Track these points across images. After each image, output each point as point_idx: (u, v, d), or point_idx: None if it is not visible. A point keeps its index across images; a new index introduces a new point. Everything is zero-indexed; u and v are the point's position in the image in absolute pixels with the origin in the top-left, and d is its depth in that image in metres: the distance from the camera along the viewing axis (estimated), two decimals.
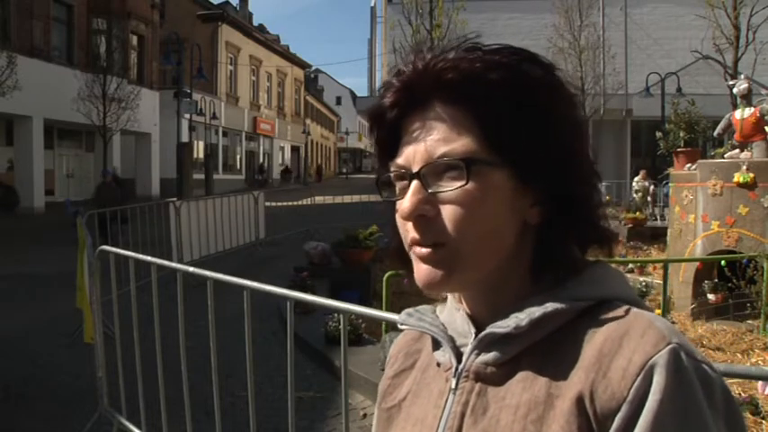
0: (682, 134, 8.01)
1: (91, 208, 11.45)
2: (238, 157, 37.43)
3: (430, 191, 0.65)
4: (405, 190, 0.67)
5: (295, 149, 48.46)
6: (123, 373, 3.56)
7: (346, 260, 7.84)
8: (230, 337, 3.27)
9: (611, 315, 0.63)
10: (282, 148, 45.08)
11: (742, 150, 6.95)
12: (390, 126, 0.70)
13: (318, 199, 16.83)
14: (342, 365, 2.38)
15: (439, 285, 0.67)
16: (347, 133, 73.76)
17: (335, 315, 5.02)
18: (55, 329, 6.24)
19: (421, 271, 0.67)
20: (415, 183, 0.66)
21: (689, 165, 7.40)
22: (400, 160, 0.68)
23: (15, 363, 5.30)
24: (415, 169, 0.66)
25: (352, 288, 6.86)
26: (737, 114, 6.92)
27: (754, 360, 5.07)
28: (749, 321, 6.06)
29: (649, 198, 16.36)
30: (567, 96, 0.70)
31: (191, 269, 3.20)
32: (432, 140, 0.66)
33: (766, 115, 6.64)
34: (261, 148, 40.43)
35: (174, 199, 10.24)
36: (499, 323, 0.66)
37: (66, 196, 20.77)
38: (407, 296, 7.26)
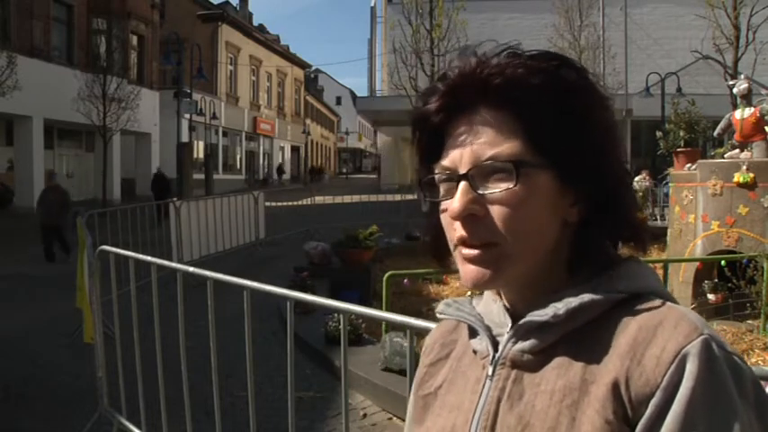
0: (682, 134, 7.99)
1: (38, 213, 11.20)
2: (238, 157, 37.45)
3: (479, 192, 0.68)
4: (451, 191, 0.70)
5: (295, 149, 48.47)
6: (123, 373, 3.56)
7: (346, 260, 7.84)
8: (230, 337, 3.27)
9: (644, 307, 0.66)
10: (282, 148, 45.10)
11: (742, 150, 6.94)
12: (434, 130, 0.73)
13: (318, 199, 16.83)
14: (342, 365, 2.37)
15: (487, 284, 0.70)
16: (347, 133, 73.78)
17: (335, 315, 5.01)
18: (55, 329, 6.24)
19: (469, 271, 0.70)
20: (463, 184, 0.68)
21: (689, 165, 7.39)
22: (446, 162, 0.71)
23: (15, 363, 5.30)
24: (462, 171, 0.69)
25: (352, 288, 6.85)
26: (737, 114, 6.91)
27: (754, 360, 5.06)
28: (749, 321, 6.05)
29: (649, 198, 16.37)
30: (600, 99, 0.73)
31: (191, 269, 3.20)
32: (479, 143, 0.68)
33: (766, 115, 6.64)
34: (261, 148, 40.45)
35: (174, 199, 10.24)
36: (537, 312, 0.69)
37: None
38: (407, 296, 7.28)
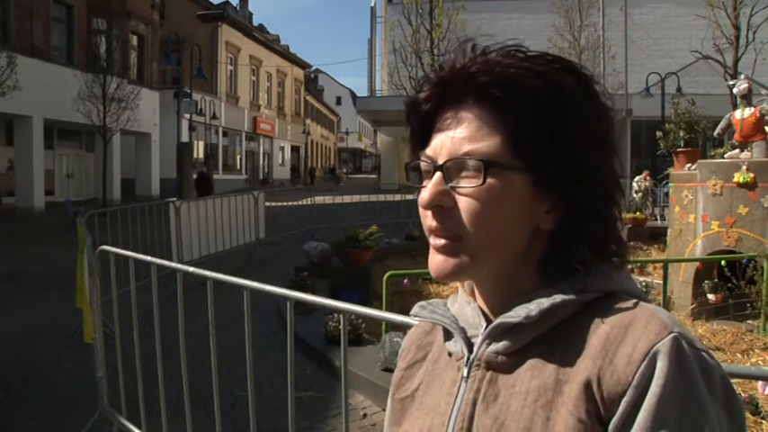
0: (682, 134, 7.99)
1: None
2: (238, 157, 37.46)
3: (450, 185, 0.69)
4: (430, 179, 0.71)
5: (295, 149, 48.46)
6: (123, 373, 3.56)
7: (346, 260, 7.84)
8: (230, 337, 3.27)
9: (616, 307, 0.67)
10: (282, 148, 45.11)
11: (742, 150, 6.94)
12: (423, 117, 0.74)
13: (318, 199, 16.82)
14: (342, 365, 2.37)
15: (449, 275, 0.70)
16: (347, 133, 73.84)
17: (335, 315, 5.01)
18: (55, 329, 6.24)
19: (435, 261, 0.71)
20: (437, 174, 0.70)
21: (689, 165, 7.40)
22: (428, 151, 0.72)
23: (15, 363, 5.30)
24: (439, 162, 0.70)
25: (352, 288, 6.86)
26: (737, 114, 6.91)
27: (754, 360, 5.06)
28: (749, 321, 6.05)
29: (650, 198, 16.37)
30: (599, 111, 0.71)
31: (191, 269, 3.20)
32: (458, 137, 0.69)
33: (766, 115, 6.64)
34: (261, 148, 40.45)
35: (174, 199, 10.23)
36: (510, 314, 0.69)
37: (67, 196, 20.76)
38: (407, 296, 7.28)
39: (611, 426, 0.61)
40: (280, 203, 15.17)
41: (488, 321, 0.73)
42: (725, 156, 7.23)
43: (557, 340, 0.67)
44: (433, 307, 0.79)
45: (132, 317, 3.39)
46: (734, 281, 6.07)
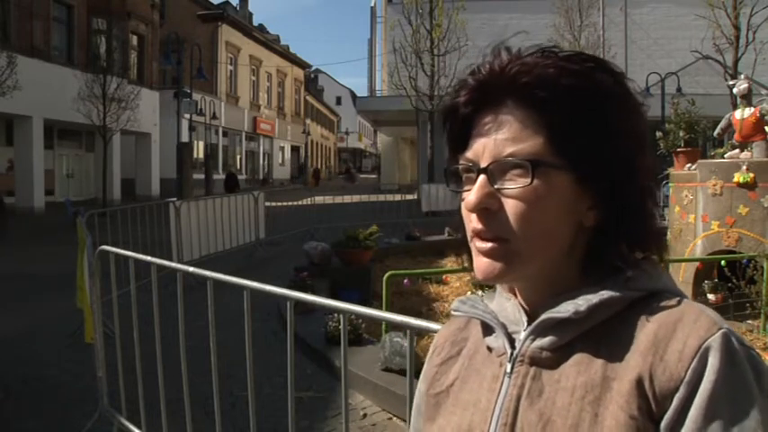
0: (682, 134, 7.98)
1: None
2: (238, 157, 37.48)
3: (495, 186, 0.69)
4: (471, 182, 0.71)
5: (295, 149, 48.48)
6: (123, 373, 3.56)
7: (346, 260, 7.84)
8: (230, 337, 3.27)
9: (662, 304, 0.67)
10: (282, 148, 45.12)
11: (742, 150, 6.94)
12: (462, 121, 0.74)
13: (318, 199, 16.81)
14: (342, 365, 2.37)
15: (497, 277, 0.71)
16: (347, 133, 73.87)
17: (335, 315, 5.01)
18: (55, 329, 6.24)
19: (481, 263, 0.71)
20: (481, 177, 0.70)
21: (689, 165, 7.39)
22: (469, 154, 0.72)
23: (15, 363, 5.30)
24: (482, 164, 0.70)
25: (352, 288, 6.85)
26: (737, 114, 6.90)
27: None
28: (749, 321, 6.05)
29: None
30: (633, 107, 0.73)
31: (191, 269, 3.19)
32: (501, 139, 0.69)
33: (766, 115, 6.63)
34: (261, 148, 40.47)
35: (174, 199, 10.23)
36: (557, 309, 0.69)
37: (67, 196, 20.77)
38: (407, 296, 7.28)
39: (663, 422, 0.61)
40: (280, 203, 15.17)
41: (529, 318, 0.74)
42: (725, 156, 7.22)
43: (602, 337, 0.68)
44: (472, 302, 0.80)
45: (132, 317, 3.39)
46: (734, 281, 6.06)
